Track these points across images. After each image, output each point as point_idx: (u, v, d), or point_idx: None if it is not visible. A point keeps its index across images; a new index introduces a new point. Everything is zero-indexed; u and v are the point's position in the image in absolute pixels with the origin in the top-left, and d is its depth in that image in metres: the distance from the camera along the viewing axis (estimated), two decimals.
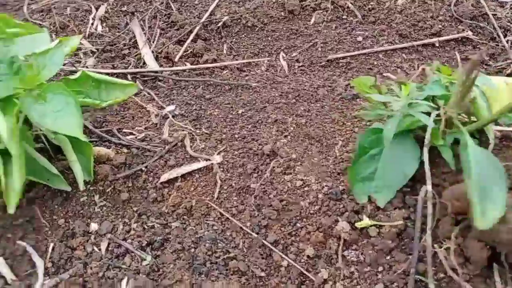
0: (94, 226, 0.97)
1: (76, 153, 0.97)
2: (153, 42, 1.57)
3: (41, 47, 0.92)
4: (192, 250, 0.91)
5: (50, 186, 1.01)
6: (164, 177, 1.05)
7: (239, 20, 1.64)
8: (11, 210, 0.85)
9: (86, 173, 0.99)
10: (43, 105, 0.86)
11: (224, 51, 1.55)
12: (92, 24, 1.60)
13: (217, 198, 1.02)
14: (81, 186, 0.97)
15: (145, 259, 0.89)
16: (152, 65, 1.49)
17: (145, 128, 1.22)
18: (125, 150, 1.13)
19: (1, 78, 0.85)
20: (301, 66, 1.45)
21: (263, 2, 1.71)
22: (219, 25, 1.61)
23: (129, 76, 1.44)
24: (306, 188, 1.01)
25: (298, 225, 0.94)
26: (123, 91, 1.01)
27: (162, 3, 1.72)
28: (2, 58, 0.86)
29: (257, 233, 0.93)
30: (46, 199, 1.01)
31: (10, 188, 0.84)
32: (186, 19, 1.64)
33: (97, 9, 1.66)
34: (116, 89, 1.00)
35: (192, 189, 1.05)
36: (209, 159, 1.08)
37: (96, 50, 1.52)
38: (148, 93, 1.38)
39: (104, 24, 1.63)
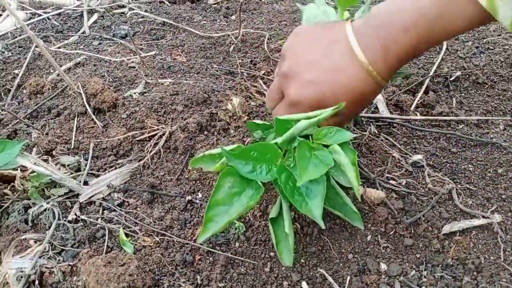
0: (383, 266, 1.02)
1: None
2: (384, 89, 1.64)
3: None
4: None
5: (336, 220, 1.10)
6: (446, 229, 1.07)
7: (468, 76, 1.66)
8: None
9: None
10: None
11: (454, 105, 1.57)
12: None
13: (504, 260, 1.02)
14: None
15: None
16: (383, 111, 1.56)
17: (401, 175, 1.27)
18: (394, 195, 1.18)
19: None
20: None
21: (491, 60, 1.71)
22: (451, 79, 1.64)
23: (363, 120, 1.52)
24: None
25: None
26: None
27: None
28: None
29: None
30: (335, 231, 1.09)
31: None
32: (412, 70, 1.70)
33: None
34: None
35: (472, 245, 1.06)
36: (488, 217, 1.09)
37: None
38: (386, 139, 1.44)
39: None
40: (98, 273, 0.90)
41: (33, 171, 1.19)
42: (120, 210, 1.13)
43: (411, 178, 1.25)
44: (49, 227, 1.07)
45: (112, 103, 1.40)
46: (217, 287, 0.98)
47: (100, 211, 1.13)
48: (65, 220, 1.07)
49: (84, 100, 1.38)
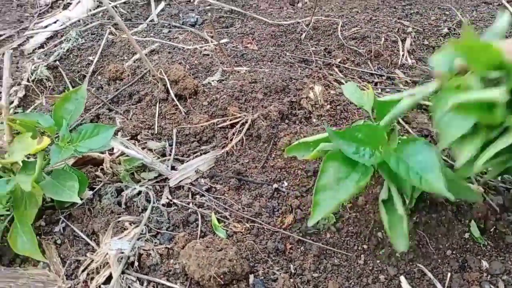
0: (484, 264, 0.98)
1: None
2: None
3: None
4: None
5: (432, 214, 1.05)
6: None
7: None
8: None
9: None
10: None
11: None
12: (403, 55, 1.67)
13: None
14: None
15: None
16: None
17: None
18: (491, 191, 1.12)
19: None
20: None
21: None
22: None
23: None
24: None
25: None
26: None
27: None
28: None
29: None
30: (431, 226, 1.05)
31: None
32: None
33: (403, 41, 1.73)
34: None
35: None
36: None
37: (409, 81, 1.58)
38: None
39: (412, 56, 1.68)
40: (198, 257, 0.91)
41: (122, 154, 1.21)
42: (209, 195, 1.14)
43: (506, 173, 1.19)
44: (142, 210, 1.09)
45: (193, 90, 1.40)
46: (312, 277, 0.97)
47: (190, 195, 1.14)
48: (158, 204, 1.09)
49: (168, 86, 1.39)
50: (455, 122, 0.78)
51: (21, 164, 1.05)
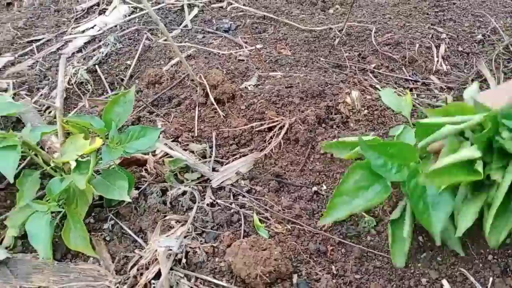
0: None
1: None
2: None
3: None
4: None
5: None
6: None
7: None
8: None
9: None
10: None
11: None
12: (437, 61, 1.67)
13: None
14: None
15: None
16: None
17: None
18: None
19: None
20: None
21: None
22: None
23: None
24: None
25: None
26: None
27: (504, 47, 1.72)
28: None
29: None
30: (472, 230, 1.05)
31: None
32: None
33: (437, 47, 1.74)
34: None
35: None
36: None
37: (445, 87, 1.58)
38: None
39: (447, 62, 1.69)
40: (245, 256, 0.94)
41: (165, 155, 1.26)
42: (250, 196, 1.17)
43: None
44: (187, 209, 1.12)
45: (231, 94, 1.44)
46: (354, 278, 0.99)
47: (231, 196, 1.18)
48: (202, 203, 1.13)
49: (208, 90, 1.43)
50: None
51: (73, 163, 1.10)
